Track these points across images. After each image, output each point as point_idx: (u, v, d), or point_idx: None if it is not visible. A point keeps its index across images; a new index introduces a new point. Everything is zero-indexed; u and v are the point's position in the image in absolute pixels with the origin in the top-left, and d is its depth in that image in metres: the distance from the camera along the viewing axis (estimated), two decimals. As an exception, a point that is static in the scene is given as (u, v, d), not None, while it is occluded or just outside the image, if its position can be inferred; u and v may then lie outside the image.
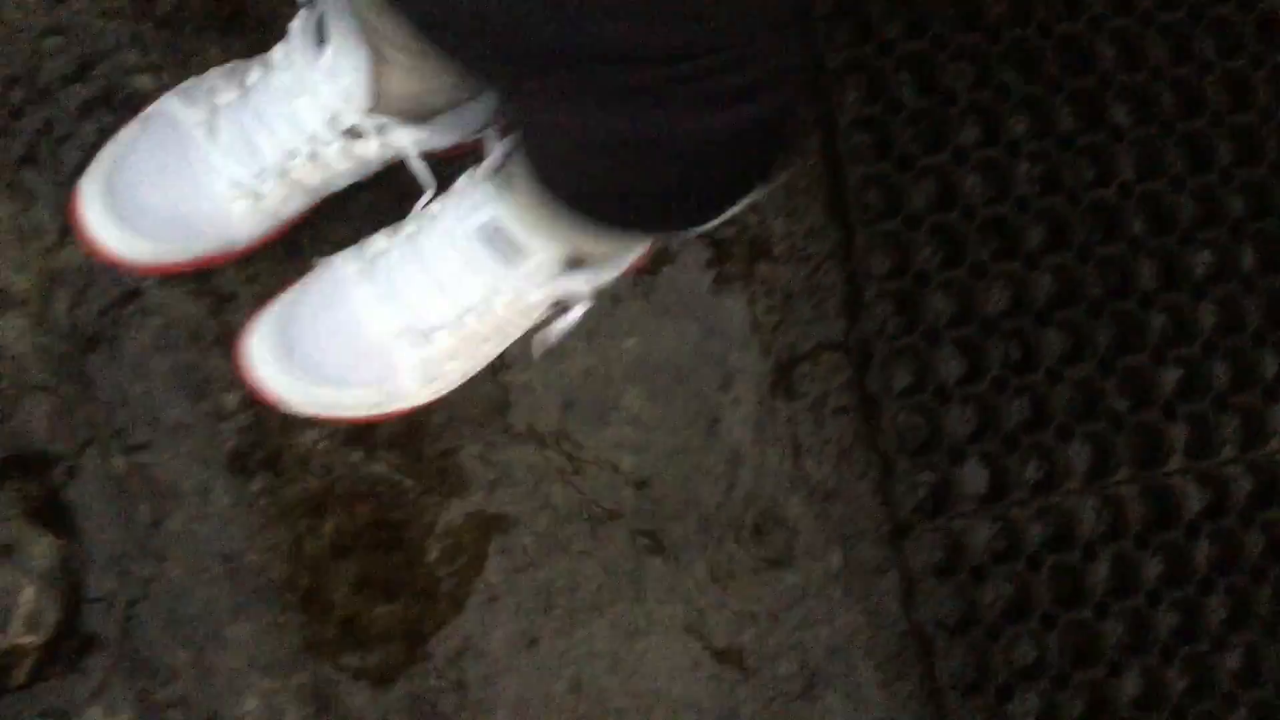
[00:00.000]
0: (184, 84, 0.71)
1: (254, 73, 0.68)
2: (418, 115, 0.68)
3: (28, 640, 0.72)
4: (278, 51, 0.67)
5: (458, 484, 0.78)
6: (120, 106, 0.74)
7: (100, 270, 0.73)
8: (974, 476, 0.84)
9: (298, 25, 0.66)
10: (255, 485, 0.75)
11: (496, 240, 0.65)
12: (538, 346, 0.73)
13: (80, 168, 0.73)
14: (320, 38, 0.64)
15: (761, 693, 0.82)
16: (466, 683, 0.77)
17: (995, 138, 0.85)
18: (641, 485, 0.80)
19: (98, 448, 0.73)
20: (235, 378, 0.71)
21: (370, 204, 0.75)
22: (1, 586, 0.72)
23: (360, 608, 0.76)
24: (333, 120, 0.66)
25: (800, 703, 0.83)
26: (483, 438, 0.78)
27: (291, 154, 0.67)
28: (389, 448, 0.77)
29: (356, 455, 0.77)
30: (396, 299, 0.68)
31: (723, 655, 0.81)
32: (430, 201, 0.69)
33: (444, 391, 0.73)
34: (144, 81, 0.74)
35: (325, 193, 0.71)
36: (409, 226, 0.69)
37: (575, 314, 0.70)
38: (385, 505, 0.77)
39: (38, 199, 0.73)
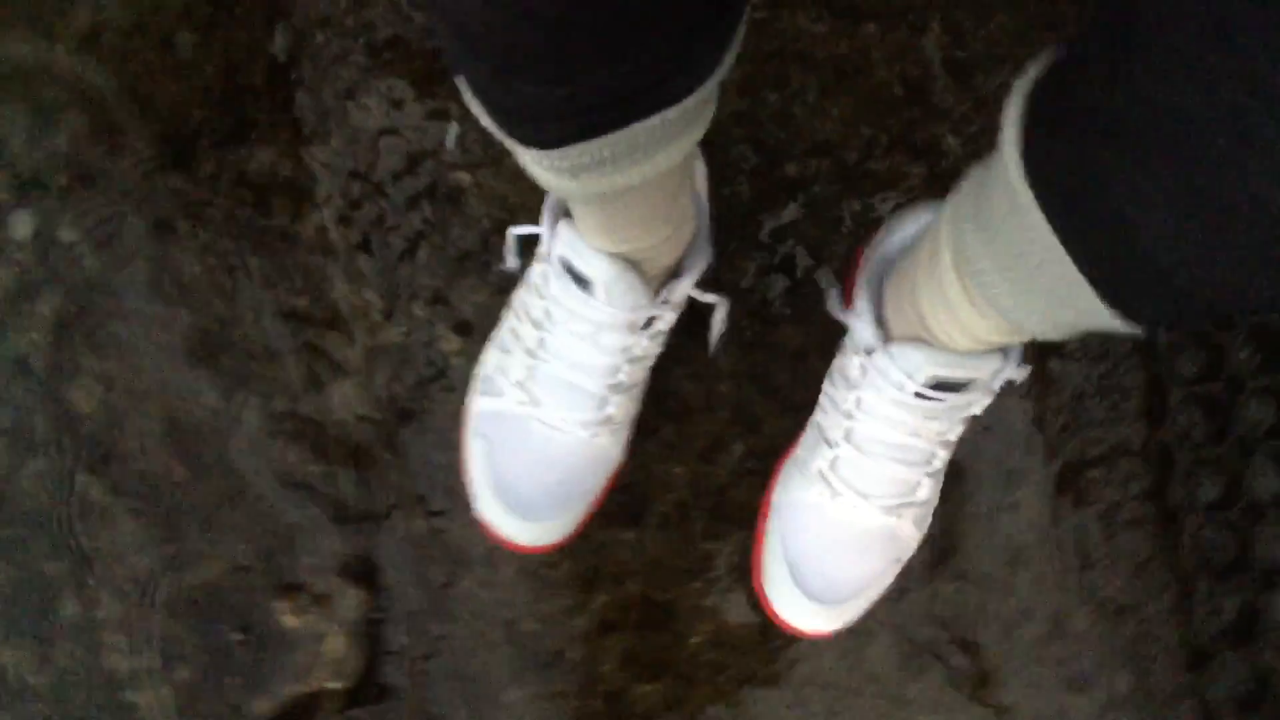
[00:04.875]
0: (477, 384, 0.74)
1: (529, 336, 0.70)
2: (677, 265, 0.69)
3: (333, 685, 0.78)
4: (537, 308, 0.68)
5: (722, 572, 0.79)
6: (441, 200, 0.81)
7: (415, 348, 0.80)
8: (1290, 605, 0.76)
9: (542, 277, 0.68)
10: (536, 557, 0.79)
11: (938, 389, 0.63)
12: None
13: (401, 256, 0.81)
14: (576, 278, 0.65)
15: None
16: (727, 770, 0.77)
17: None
18: (904, 592, 0.78)
19: (403, 511, 0.80)
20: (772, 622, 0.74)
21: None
22: (314, 632, 0.79)
23: (625, 684, 0.78)
24: (631, 326, 0.67)
25: (1078, 834, 0.77)
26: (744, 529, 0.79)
27: (614, 370, 0.69)
28: (660, 529, 0.79)
29: (629, 534, 0.79)
30: (870, 494, 0.69)
31: (993, 772, 0.77)
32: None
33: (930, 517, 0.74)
34: (461, 178, 0.81)
35: (652, 363, 0.74)
36: (833, 426, 0.69)
37: (1024, 376, 0.66)
38: (653, 585, 0.79)
39: (368, 282, 0.81)
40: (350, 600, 0.79)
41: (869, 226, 0.81)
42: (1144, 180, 0.36)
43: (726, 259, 0.80)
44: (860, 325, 0.66)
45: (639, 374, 0.72)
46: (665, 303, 0.67)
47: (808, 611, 0.70)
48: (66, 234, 0.85)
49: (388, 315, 0.81)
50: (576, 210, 0.60)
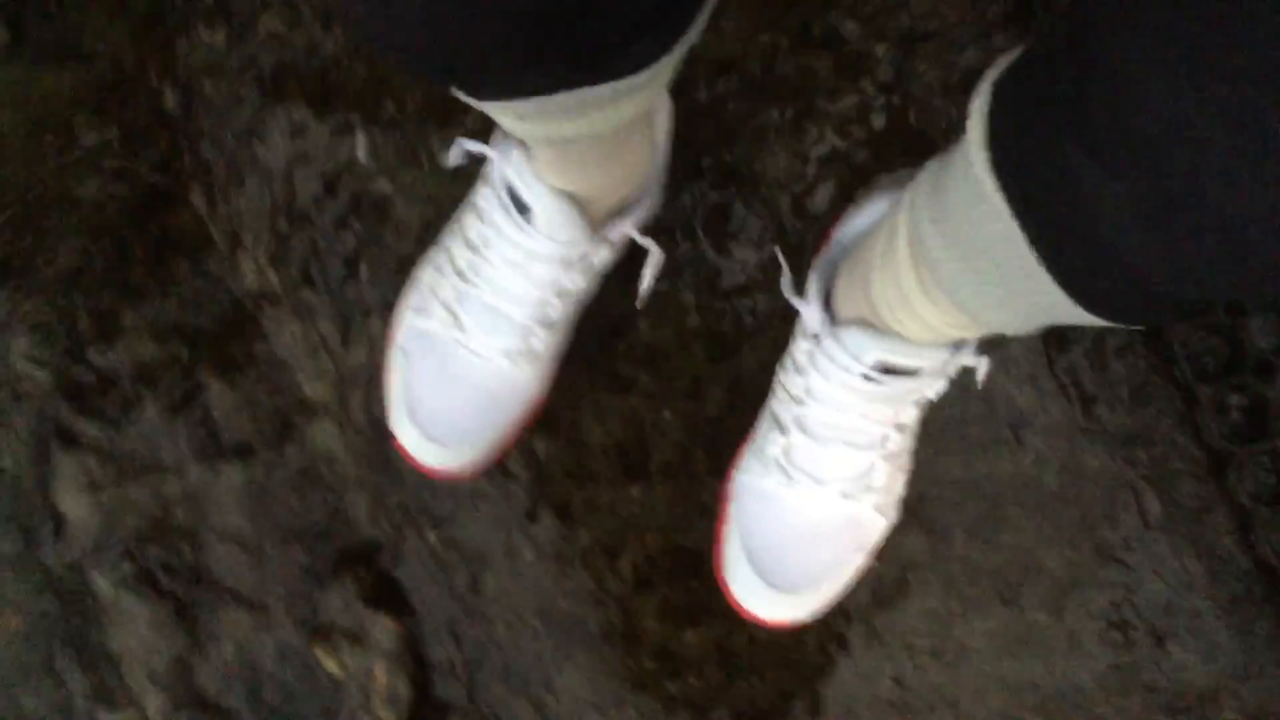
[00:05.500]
0: (407, 300, 0.74)
1: (461, 257, 0.69)
2: (623, 204, 0.68)
3: (389, 715, 0.78)
4: (474, 231, 0.68)
5: (741, 500, 0.78)
6: (369, 212, 0.80)
7: (382, 364, 0.80)
8: (1293, 388, 0.76)
9: (487, 201, 0.66)
10: (552, 536, 0.78)
11: (887, 373, 0.63)
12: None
13: (344, 279, 0.80)
14: (519, 205, 0.64)
15: (1100, 660, 0.77)
16: (791, 693, 0.77)
17: None
18: (920, 468, 0.78)
19: (412, 528, 0.79)
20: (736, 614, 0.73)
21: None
22: (359, 669, 0.78)
23: (670, 636, 0.78)
24: (565, 261, 0.66)
25: (1147, 663, 0.77)
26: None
27: (543, 303, 0.69)
28: (665, 476, 0.79)
29: (636, 490, 0.79)
30: (825, 479, 0.68)
31: (1049, 628, 0.77)
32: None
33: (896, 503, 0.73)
34: (382, 185, 0.80)
35: (585, 300, 0.73)
36: (785, 412, 0.69)
37: (984, 367, 0.66)
38: (673, 533, 0.78)
39: (318, 313, 0.81)
40: (384, 628, 0.78)
41: (789, 132, 0.80)
42: (1107, 173, 0.36)
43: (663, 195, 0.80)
44: (809, 311, 0.65)
45: (569, 309, 0.71)
46: (604, 241, 0.67)
47: (769, 600, 0.69)
48: (19, 344, 0.84)
49: (346, 340, 0.80)
50: (530, 149, 0.59)
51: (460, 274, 0.69)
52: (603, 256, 0.68)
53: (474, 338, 0.69)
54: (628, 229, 0.68)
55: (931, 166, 0.51)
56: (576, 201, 0.63)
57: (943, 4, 0.80)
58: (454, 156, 0.69)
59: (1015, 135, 0.41)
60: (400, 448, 0.72)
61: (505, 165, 0.63)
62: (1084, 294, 0.43)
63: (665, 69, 0.44)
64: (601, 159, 0.58)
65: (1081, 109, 0.36)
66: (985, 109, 0.42)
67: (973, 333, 0.57)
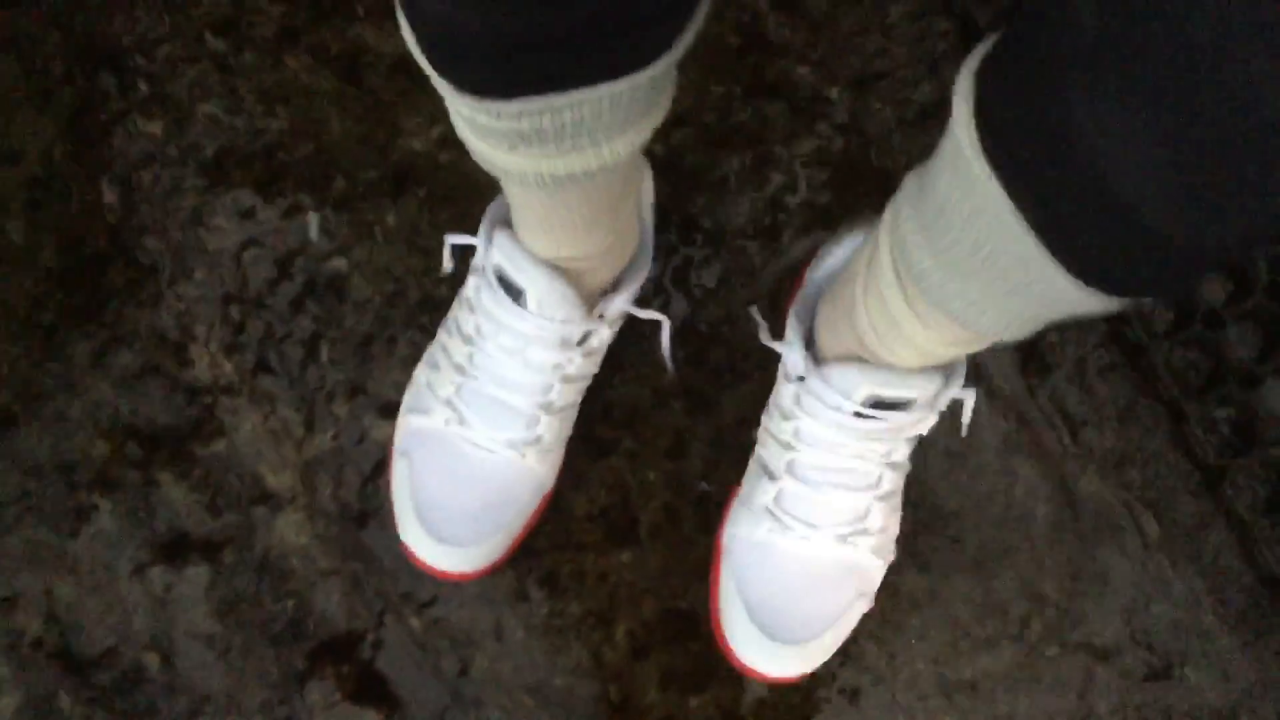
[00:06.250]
0: (406, 400, 0.71)
1: (458, 351, 0.67)
2: (615, 281, 0.67)
3: (381, 816, 0.73)
4: (469, 323, 0.66)
5: (733, 557, 0.76)
6: (324, 292, 0.78)
7: (348, 448, 0.76)
8: (1277, 394, 0.76)
9: (478, 291, 0.65)
10: (542, 610, 0.75)
11: (879, 408, 0.61)
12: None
13: (304, 362, 0.77)
14: (509, 290, 0.62)
15: (1114, 688, 0.75)
16: (804, 755, 0.74)
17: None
18: (913, 506, 0.76)
19: (393, 614, 0.75)
20: (735, 671, 0.71)
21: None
22: (344, 770, 0.74)
23: (675, 704, 0.75)
24: (564, 344, 0.64)
25: (1160, 689, 0.75)
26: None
27: (546, 389, 0.66)
28: (655, 539, 0.76)
29: (626, 555, 0.76)
30: (819, 524, 0.66)
31: (1058, 660, 0.75)
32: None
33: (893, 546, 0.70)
34: (337, 264, 0.78)
35: (588, 383, 0.71)
36: (773, 459, 0.66)
37: (971, 400, 0.65)
38: (668, 597, 0.76)
39: (278, 400, 0.77)
40: (370, 725, 0.74)
41: (751, 179, 0.79)
42: (1113, 105, 0.33)
43: (627, 254, 0.78)
44: (790, 354, 0.64)
45: (572, 394, 0.69)
46: (600, 318, 0.65)
47: (771, 655, 0.66)
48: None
49: (309, 426, 0.77)
50: (516, 203, 0.57)
51: (458, 368, 0.67)
52: (602, 336, 0.66)
53: (478, 431, 0.67)
54: (623, 305, 0.66)
55: (912, 178, 0.50)
56: (568, 277, 0.61)
57: (891, 44, 0.81)
58: (447, 259, 0.68)
59: (1006, 104, 0.39)
60: (411, 554, 0.69)
61: (494, 252, 0.62)
62: (1086, 269, 0.40)
63: (656, 99, 0.43)
64: (589, 220, 0.56)
65: (1098, 46, 0.33)
66: (970, 89, 0.41)
67: (967, 347, 0.55)
